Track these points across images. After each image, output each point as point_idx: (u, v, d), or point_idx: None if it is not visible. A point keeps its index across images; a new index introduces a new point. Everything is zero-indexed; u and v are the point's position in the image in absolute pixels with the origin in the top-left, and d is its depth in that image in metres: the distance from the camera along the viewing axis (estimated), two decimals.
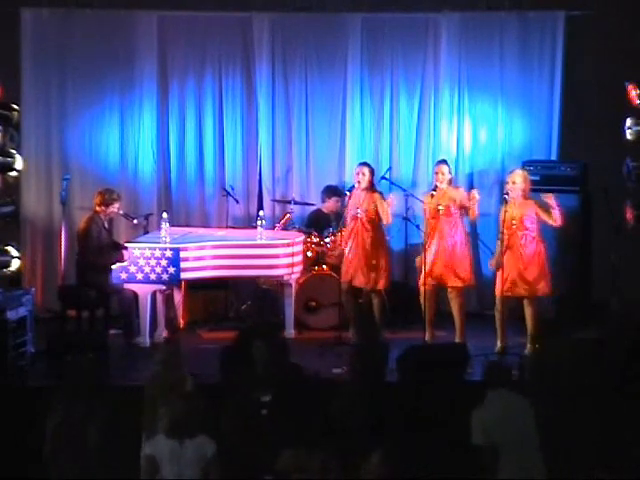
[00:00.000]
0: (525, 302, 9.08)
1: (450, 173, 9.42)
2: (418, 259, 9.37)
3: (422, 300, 9.24)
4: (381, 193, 9.70)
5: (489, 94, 11.02)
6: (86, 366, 6.38)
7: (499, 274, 9.08)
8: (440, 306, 9.54)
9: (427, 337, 9.28)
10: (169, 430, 5.74)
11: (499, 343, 9.04)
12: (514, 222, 8.97)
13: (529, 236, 9.02)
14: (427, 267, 9.15)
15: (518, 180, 9.09)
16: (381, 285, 9.54)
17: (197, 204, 11.16)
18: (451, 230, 9.26)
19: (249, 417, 6.27)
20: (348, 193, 9.73)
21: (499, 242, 9.10)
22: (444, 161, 9.61)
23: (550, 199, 9.01)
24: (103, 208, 9.70)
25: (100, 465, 6.12)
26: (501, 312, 9.06)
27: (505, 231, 9.02)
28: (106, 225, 9.78)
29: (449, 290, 9.32)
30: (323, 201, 10.72)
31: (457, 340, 9.23)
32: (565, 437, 6.23)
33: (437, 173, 9.39)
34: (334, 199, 10.60)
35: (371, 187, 9.58)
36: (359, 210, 9.52)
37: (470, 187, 10.85)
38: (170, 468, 5.71)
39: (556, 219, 8.98)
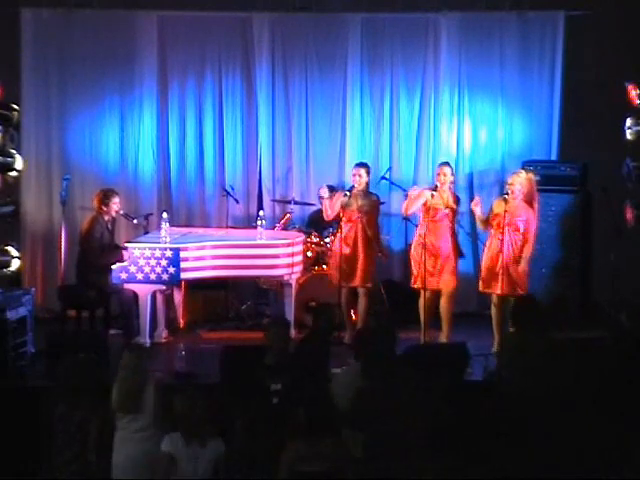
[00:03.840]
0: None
1: (452, 175, 9.41)
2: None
3: (421, 301, 9.26)
4: (375, 196, 9.70)
5: (489, 94, 11.02)
6: (86, 366, 6.38)
7: (483, 269, 9.13)
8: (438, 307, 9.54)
9: (422, 337, 9.25)
10: (186, 430, 5.79)
11: (496, 343, 9.01)
12: (505, 221, 8.97)
13: (517, 238, 9.02)
14: (427, 267, 9.16)
15: (516, 181, 9.08)
16: (357, 283, 9.55)
17: (197, 204, 11.16)
18: (441, 233, 9.26)
19: (259, 406, 6.27)
20: (348, 193, 9.73)
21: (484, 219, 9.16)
22: (447, 163, 9.60)
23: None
24: (104, 208, 9.70)
25: (100, 464, 6.13)
26: (497, 311, 9.06)
27: (495, 227, 9.04)
28: (109, 226, 9.79)
29: (441, 292, 9.32)
30: (320, 203, 10.73)
31: (443, 339, 9.22)
32: (557, 437, 6.24)
33: (439, 174, 9.38)
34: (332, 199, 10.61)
35: (367, 188, 9.63)
36: (355, 210, 9.56)
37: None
38: (185, 467, 5.80)
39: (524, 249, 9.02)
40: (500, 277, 8.98)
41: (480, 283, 9.25)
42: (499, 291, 9.00)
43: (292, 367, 6.57)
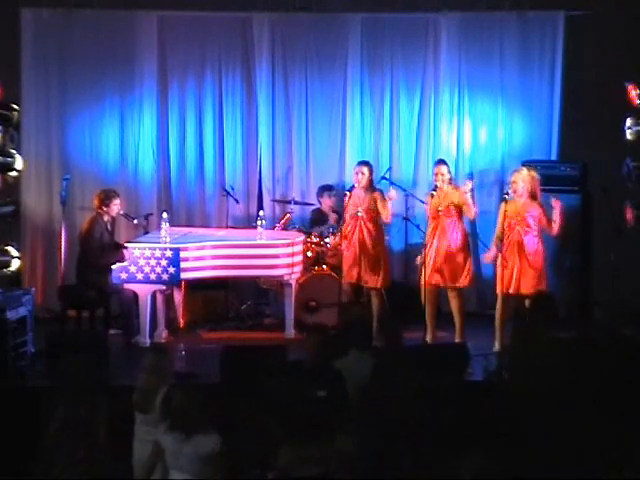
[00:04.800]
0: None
1: (449, 172, 9.42)
2: (419, 258, 9.35)
3: (423, 300, 9.25)
4: (381, 191, 9.73)
5: (489, 94, 11.03)
6: (86, 366, 6.38)
7: (499, 272, 9.09)
8: (441, 306, 9.55)
9: (428, 338, 9.28)
10: (171, 423, 5.77)
11: (497, 343, 9.01)
12: (514, 220, 8.97)
13: (531, 235, 9.02)
14: (427, 267, 9.16)
15: (519, 179, 9.08)
16: (380, 284, 9.57)
17: (197, 204, 11.16)
18: (450, 231, 9.27)
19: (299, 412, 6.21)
20: (348, 193, 9.74)
21: (496, 239, 9.11)
22: (443, 161, 9.60)
23: (557, 205, 8.99)
24: (104, 208, 9.71)
25: (102, 464, 6.12)
26: (501, 311, 9.05)
27: (505, 229, 9.04)
28: (109, 227, 9.79)
29: (448, 290, 9.33)
30: (319, 202, 10.75)
31: (457, 340, 9.23)
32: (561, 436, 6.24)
33: (437, 174, 9.38)
34: (326, 194, 10.64)
35: (370, 186, 9.63)
36: (360, 209, 9.55)
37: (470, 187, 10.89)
38: (171, 460, 5.75)
39: (554, 229, 8.98)
40: (511, 276, 8.98)
41: (506, 285, 9.15)
42: (511, 290, 8.98)
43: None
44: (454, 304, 9.32)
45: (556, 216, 8.96)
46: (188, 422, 5.77)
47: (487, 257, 9.32)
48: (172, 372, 6.55)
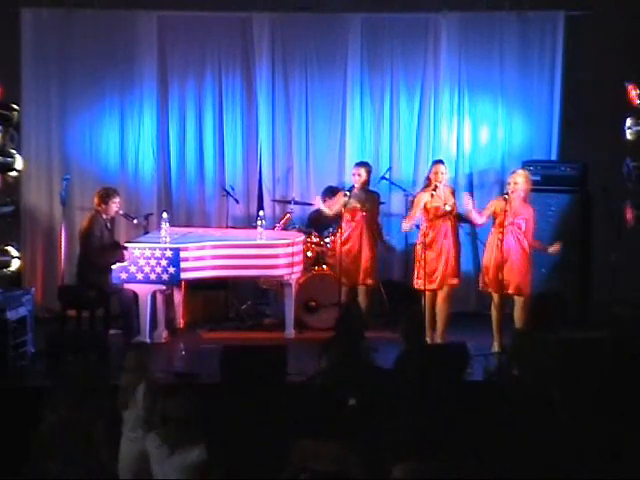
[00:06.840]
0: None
1: (446, 172, 9.41)
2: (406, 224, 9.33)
3: (423, 302, 9.26)
4: (376, 194, 9.78)
5: (489, 94, 11.03)
6: (86, 366, 6.38)
7: (482, 268, 9.15)
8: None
9: (428, 339, 9.26)
10: (163, 431, 5.72)
11: (495, 344, 9.01)
12: (507, 222, 8.96)
13: (517, 237, 9.01)
14: (429, 267, 9.15)
15: (520, 180, 9.07)
16: (369, 283, 9.60)
17: (197, 204, 11.16)
18: (447, 230, 9.27)
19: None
20: (348, 193, 9.76)
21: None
22: (442, 161, 9.58)
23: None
24: (104, 206, 9.70)
25: (101, 464, 6.12)
26: (494, 312, 9.05)
27: (496, 228, 9.03)
28: (108, 225, 9.79)
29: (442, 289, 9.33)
30: (323, 202, 10.73)
31: (438, 339, 9.21)
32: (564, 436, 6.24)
33: (437, 173, 9.36)
34: (333, 199, 10.62)
35: (366, 187, 9.69)
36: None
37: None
38: (155, 469, 5.68)
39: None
40: (501, 276, 8.97)
41: (480, 282, 9.26)
42: (500, 291, 8.98)
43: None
44: (438, 304, 9.28)
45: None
46: (177, 433, 5.65)
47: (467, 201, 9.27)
48: (150, 368, 6.53)
